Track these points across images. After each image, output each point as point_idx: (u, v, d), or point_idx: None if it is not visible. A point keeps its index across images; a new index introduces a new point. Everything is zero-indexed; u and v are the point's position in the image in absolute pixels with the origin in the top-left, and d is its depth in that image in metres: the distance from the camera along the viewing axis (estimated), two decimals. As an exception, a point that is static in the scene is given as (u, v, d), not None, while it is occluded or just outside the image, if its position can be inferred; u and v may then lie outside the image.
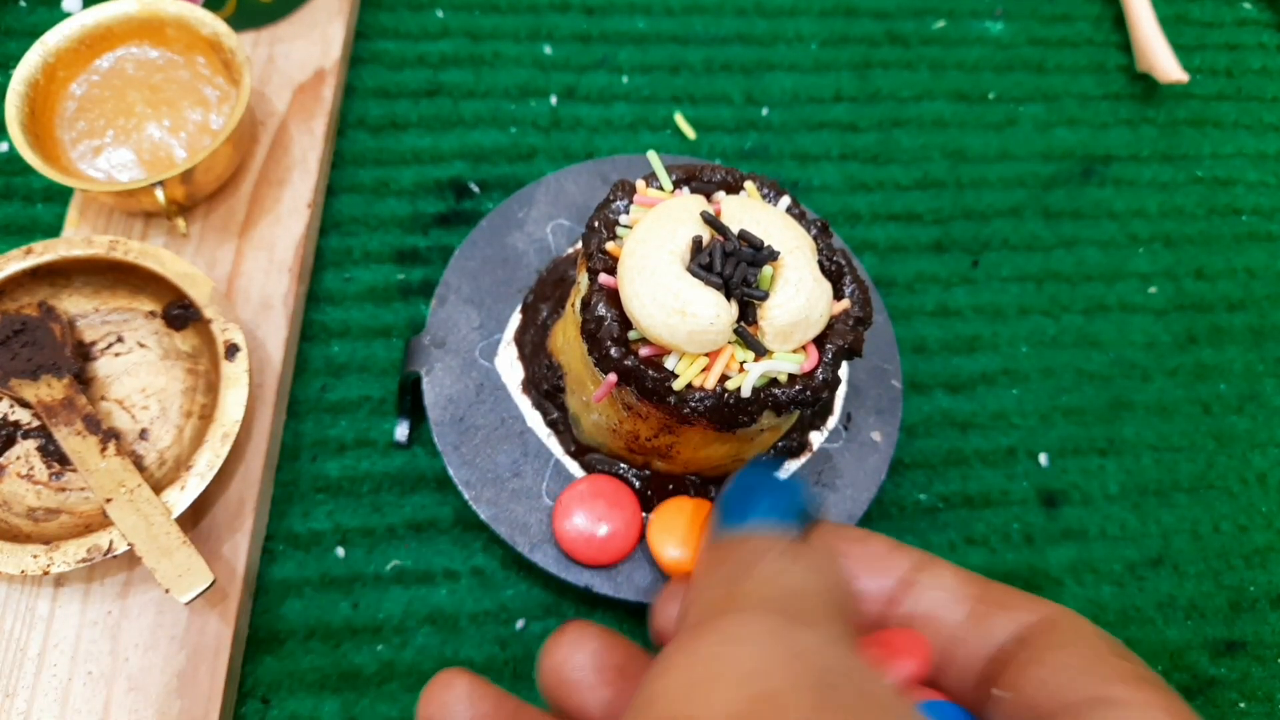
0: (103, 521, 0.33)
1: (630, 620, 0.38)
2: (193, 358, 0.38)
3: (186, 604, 0.32)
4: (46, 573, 0.32)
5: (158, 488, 0.34)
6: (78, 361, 0.37)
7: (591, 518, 0.34)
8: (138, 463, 0.36)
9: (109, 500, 0.33)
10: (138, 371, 0.38)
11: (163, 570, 0.32)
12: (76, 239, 0.38)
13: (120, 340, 0.39)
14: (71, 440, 0.34)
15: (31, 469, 0.36)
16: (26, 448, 0.36)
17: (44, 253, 0.37)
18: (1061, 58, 0.54)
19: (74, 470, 0.36)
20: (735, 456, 0.34)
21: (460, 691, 0.23)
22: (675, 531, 0.34)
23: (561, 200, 0.41)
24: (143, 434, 0.37)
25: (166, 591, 0.32)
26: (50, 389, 0.35)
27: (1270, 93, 0.55)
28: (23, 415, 0.37)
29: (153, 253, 0.38)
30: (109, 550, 0.33)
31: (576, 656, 0.24)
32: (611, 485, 0.35)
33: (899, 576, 0.24)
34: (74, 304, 0.39)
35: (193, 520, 0.36)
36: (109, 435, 0.35)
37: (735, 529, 0.23)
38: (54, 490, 0.36)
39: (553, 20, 0.52)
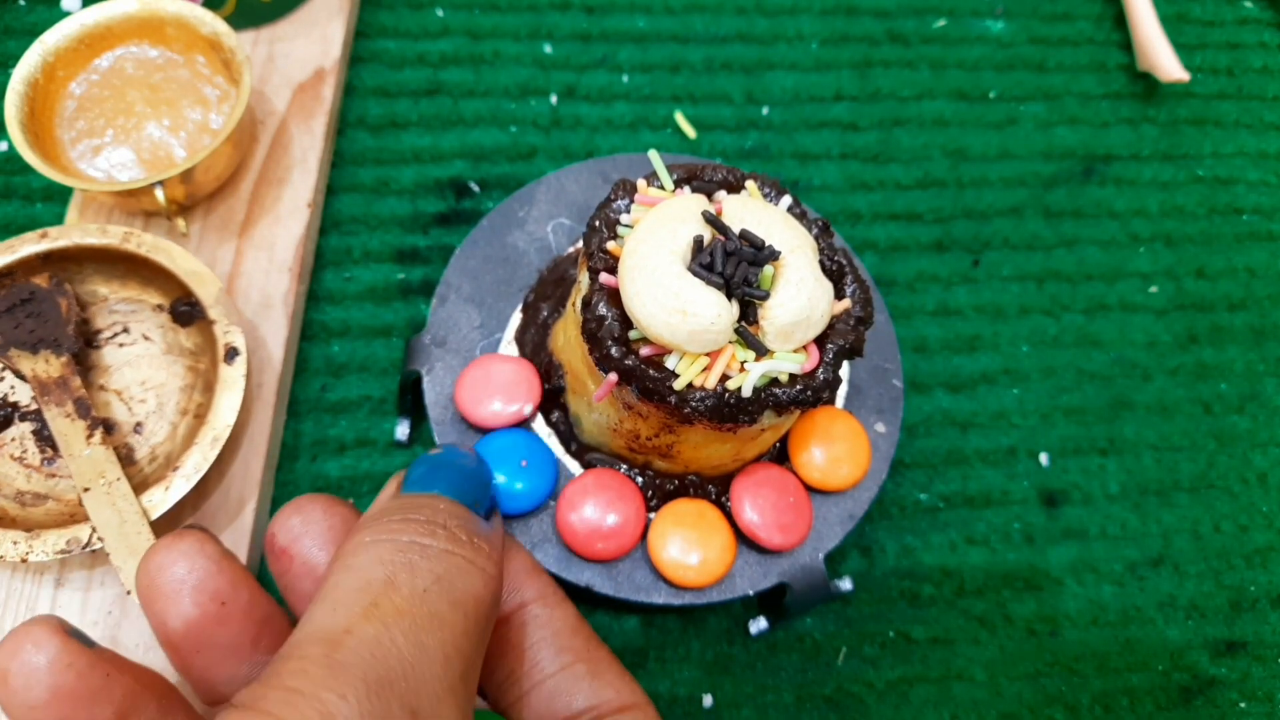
0: (86, 513, 0.33)
1: (630, 618, 0.38)
2: (195, 355, 0.38)
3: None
4: (24, 560, 0.32)
5: (145, 484, 0.34)
6: (78, 341, 0.37)
7: (598, 507, 0.34)
8: (129, 456, 0.36)
9: (86, 490, 0.33)
10: (139, 364, 0.38)
11: (127, 571, 0.32)
12: (91, 227, 0.38)
13: (126, 331, 0.39)
14: (60, 422, 0.34)
15: (25, 451, 0.36)
16: (22, 430, 0.36)
17: (58, 238, 0.37)
18: (1062, 57, 0.54)
19: (67, 457, 0.36)
20: (736, 456, 0.34)
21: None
22: (676, 533, 0.34)
23: (562, 199, 0.41)
24: (137, 427, 0.37)
25: (128, 593, 0.31)
26: (47, 365, 0.35)
27: (1271, 92, 0.55)
28: (22, 397, 0.37)
29: (164, 247, 0.38)
30: (88, 544, 0.32)
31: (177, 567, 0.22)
32: (617, 479, 0.35)
33: (520, 600, 0.25)
34: (85, 291, 0.39)
35: (193, 521, 0.36)
36: (97, 422, 0.34)
37: (421, 493, 0.23)
38: (44, 476, 0.36)
39: (553, 19, 0.52)
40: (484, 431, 0.36)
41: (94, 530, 0.32)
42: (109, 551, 0.32)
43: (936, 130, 0.51)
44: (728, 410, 0.28)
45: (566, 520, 0.34)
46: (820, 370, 0.29)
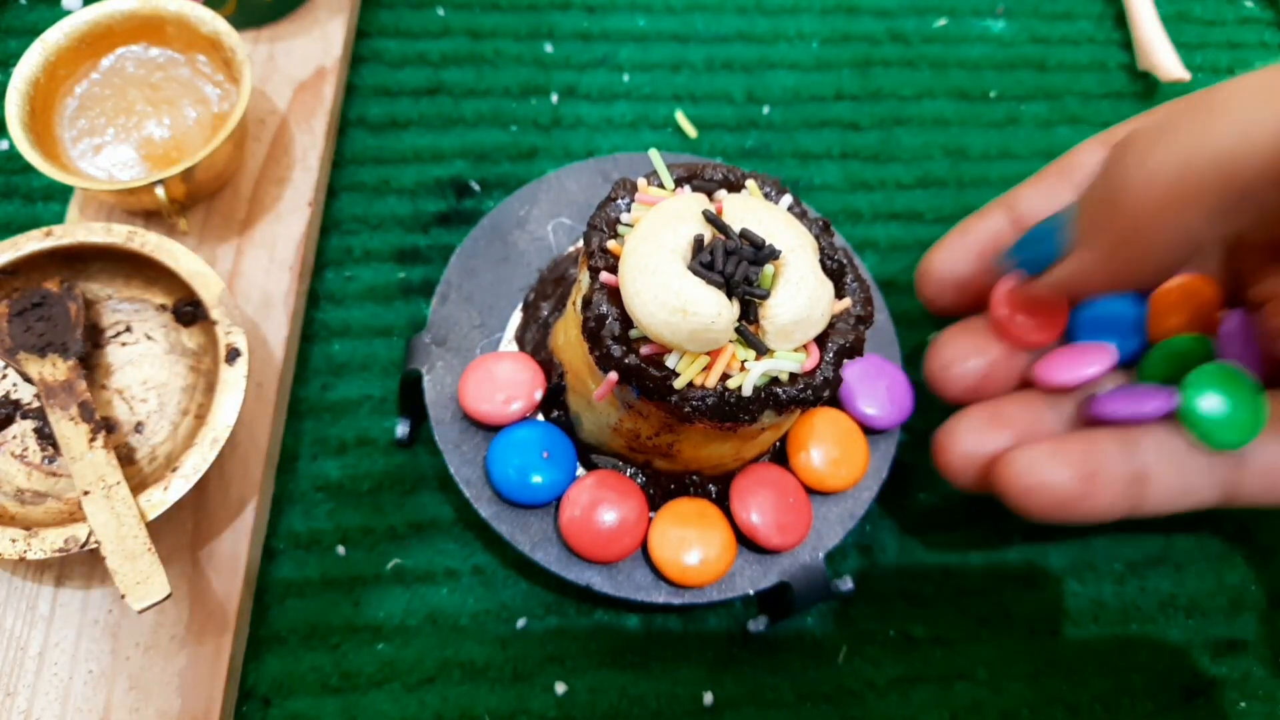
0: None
1: (630, 618, 0.38)
2: (197, 355, 0.38)
3: (140, 612, 0.32)
4: (22, 558, 0.32)
5: (145, 484, 0.34)
6: (85, 345, 0.37)
7: (600, 507, 0.34)
8: (130, 455, 0.36)
9: (85, 493, 0.33)
10: (142, 363, 0.38)
11: (123, 574, 0.32)
12: (95, 226, 0.38)
13: (129, 330, 0.39)
14: (63, 425, 0.34)
15: (26, 449, 0.36)
16: (24, 428, 0.36)
17: (63, 236, 0.37)
18: (1063, 56, 0.54)
19: (68, 457, 0.36)
20: (736, 455, 0.34)
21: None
22: (676, 532, 0.34)
23: (563, 199, 0.41)
24: (138, 427, 0.37)
25: (122, 597, 0.31)
26: (54, 369, 0.35)
27: (1272, 91, 0.55)
28: (25, 394, 0.37)
29: (168, 247, 0.38)
30: (86, 543, 0.32)
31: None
32: (618, 479, 0.35)
33: None
34: (89, 289, 0.39)
35: (193, 520, 0.36)
36: (100, 426, 0.35)
37: None
38: (45, 474, 0.36)
39: (553, 18, 0.52)
40: (489, 429, 0.36)
41: (91, 532, 0.33)
42: (105, 555, 0.32)
43: (937, 130, 0.51)
44: (728, 409, 0.28)
45: (568, 520, 0.34)
46: (820, 369, 0.29)
